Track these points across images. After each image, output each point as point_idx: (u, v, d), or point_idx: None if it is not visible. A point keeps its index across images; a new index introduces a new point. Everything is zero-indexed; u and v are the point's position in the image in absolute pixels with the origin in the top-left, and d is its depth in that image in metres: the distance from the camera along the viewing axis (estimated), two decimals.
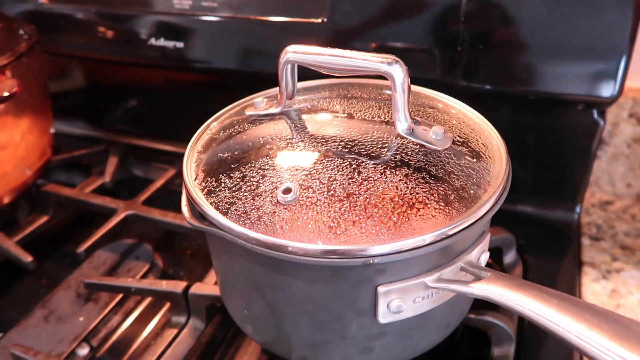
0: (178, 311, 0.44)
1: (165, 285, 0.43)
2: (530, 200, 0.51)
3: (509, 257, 0.46)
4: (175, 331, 0.43)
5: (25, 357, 0.39)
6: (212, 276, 0.47)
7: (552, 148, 0.49)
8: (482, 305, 0.39)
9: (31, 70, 0.53)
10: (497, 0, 0.41)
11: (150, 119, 0.67)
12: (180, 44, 0.53)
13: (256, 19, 0.49)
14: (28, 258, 0.48)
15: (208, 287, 0.42)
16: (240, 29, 0.51)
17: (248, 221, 0.28)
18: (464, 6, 0.42)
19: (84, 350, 0.45)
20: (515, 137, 0.48)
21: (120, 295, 0.49)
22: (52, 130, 0.59)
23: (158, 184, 0.57)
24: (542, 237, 0.49)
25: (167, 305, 0.48)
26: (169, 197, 0.59)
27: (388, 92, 0.38)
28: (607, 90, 0.41)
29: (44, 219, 0.57)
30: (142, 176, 0.65)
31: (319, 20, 0.46)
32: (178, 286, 0.43)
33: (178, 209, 0.52)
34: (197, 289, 0.42)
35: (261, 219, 0.28)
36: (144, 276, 0.51)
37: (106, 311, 0.48)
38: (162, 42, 0.54)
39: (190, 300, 0.42)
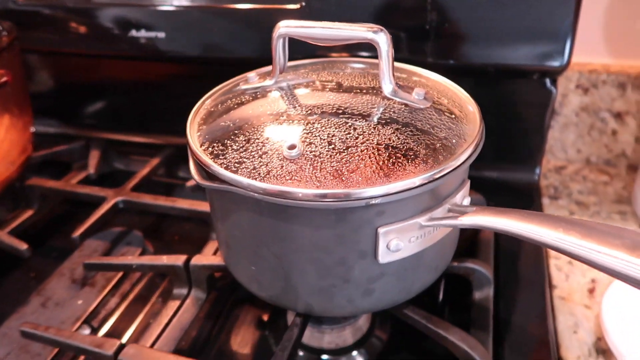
0: (179, 284, 0.46)
1: (166, 259, 0.45)
2: (496, 167, 0.56)
3: None
4: (178, 302, 0.45)
5: (36, 333, 0.40)
6: (206, 251, 0.49)
7: (512, 117, 0.54)
8: (462, 254, 0.43)
9: (12, 65, 0.54)
10: None
11: (128, 113, 0.69)
12: (161, 35, 0.55)
13: (235, 7, 0.52)
14: (23, 246, 0.49)
15: (208, 257, 0.45)
16: (220, 18, 0.53)
17: (258, 175, 0.31)
18: None
19: (85, 332, 0.46)
20: (480, 108, 0.53)
21: (117, 278, 0.50)
22: (32, 128, 0.60)
23: (144, 172, 0.59)
24: (508, 199, 0.54)
25: (162, 286, 0.50)
26: (154, 186, 0.61)
27: (369, 66, 0.42)
28: (557, 60, 0.46)
29: (28, 214, 0.57)
30: (124, 169, 0.66)
31: (297, 6, 0.50)
32: (179, 259, 0.45)
33: (165, 195, 0.55)
34: (198, 260, 0.45)
35: (270, 173, 0.31)
36: None
37: (104, 294, 0.49)
38: (143, 33, 0.56)
39: (191, 272, 0.45)
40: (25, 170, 0.59)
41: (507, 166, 0.56)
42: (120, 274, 0.51)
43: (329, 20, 0.49)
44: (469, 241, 0.49)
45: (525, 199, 0.55)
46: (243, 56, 0.54)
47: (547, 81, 0.50)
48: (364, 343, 0.43)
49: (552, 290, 0.45)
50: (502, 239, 0.49)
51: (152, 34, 0.55)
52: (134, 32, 0.56)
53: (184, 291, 0.45)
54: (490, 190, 0.54)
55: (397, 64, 0.43)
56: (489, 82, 0.53)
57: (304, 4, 0.49)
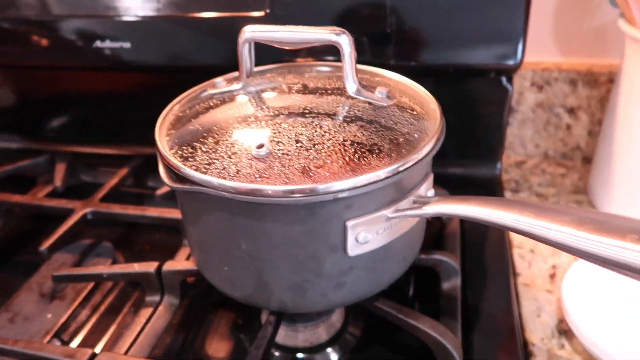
0: (152, 291, 0.46)
1: (137, 267, 0.45)
2: (460, 163, 0.58)
3: None
4: (151, 310, 0.44)
5: (4, 347, 0.39)
6: (179, 257, 0.49)
7: (473, 115, 0.56)
8: (430, 247, 0.45)
9: None
10: None
11: (94, 125, 0.68)
12: (127, 45, 0.55)
13: (201, 16, 0.53)
14: None
15: (180, 263, 0.45)
16: (186, 27, 0.54)
17: (227, 175, 0.32)
18: None
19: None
20: (444, 108, 0.55)
21: (87, 290, 0.50)
22: None
23: (112, 182, 0.58)
24: (471, 193, 0.55)
25: (134, 296, 0.50)
26: (123, 197, 0.61)
27: (334, 70, 0.43)
28: (511, 59, 0.49)
29: None
30: (92, 181, 0.66)
31: (261, 14, 0.51)
32: (151, 266, 0.45)
33: (136, 204, 0.55)
34: (170, 265, 0.45)
35: (239, 172, 0.32)
36: None
37: (74, 306, 0.48)
38: (107, 43, 0.56)
39: (164, 278, 0.45)
40: None
41: (471, 162, 0.59)
42: (90, 286, 0.50)
43: (292, 25, 0.51)
44: (437, 234, 0.51)
45: (488, 193, 0.57)
46: (210, 64, 0.54)
47: (504, 79, 0.52)
48: (337, 339, 0.44)
49: (516, 278, 0.46)
50: (467, 231, 0.51)
51: (117, 45, 0.55)
52: (98, 43, 0.56)
53: (157, 298, 0.45)
54: (455, 186, 0.56)
55: (360, 66, 0.45)
56: (450, 82, 0.55)
57: (268, 11, 0.50)
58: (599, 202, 0.53)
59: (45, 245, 0.49)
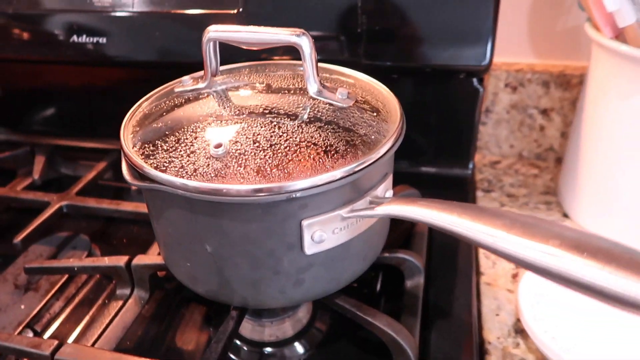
0: (122, 284, 0.46)
1: (107, 260, 0.46)
2: (432, 162, 0.59)
3: None
4: (120, 303, 0.45)
5: None
6: (151, 252, 0.50)
7: (446, 116, 0.57)
8: (400, 245, 0.46)
9: None
10: None
11: (73, 119, 0.69)
12: (102, 40, 0.56)
13: (175, 12, 0.53)
14: None
15: (150, 257, 0.46)
16: (161, 23, 0.54)
17: (185, 174, 0.33)
18: None
19: (28, 335, 0.46)
20: (416, 108, 0.56)
21: (61, 282, 0.51)
22: None
23: (89, 176, 0.59)
24: (444, 192, 0.56)
25: (109, 289, 0.50)
26: (101, 190, 0.62)
27: (300, 68, 0.44)
28: (480, 60, 0.49)
29: None
30: (71, 174, 0.66)
31: (235, 11, 0.51)
32: (120, 260, 0.46)
33: (112, 199, 0.56)
34: (140, 260, 0.45)
35: (197, 171, 0.33)
36: None
37: (47, 298, 0.49)
38: (84, 39, 0.56)
39: (133, 272, 0.45)
40: None
41: (444, 162, 0.59)
42: (64, 278, 0.51)
43: (264, 24, 0.51)
44: (407, 233, 0.52)
45: (460, 192, 0.58)
46: (183, 60, 0.55)
47: (474, 80, 0.53)
48: (304, 334, 0.45)
49: (480, 277, 0.47)
50: (436, 231, 0.52)
51: (93, 39, 0.56)
52: (75, 38, 0.56)
53: (127, 291, 0.46)
54: (428, 185, 0.57)
55: (327, 65, 0.45)
56: (423, 82, 0.55)
57: (241, 9, 0.51)
58: (566, 203, 0.54)
59: (20, 237, 0.50)
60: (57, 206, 0.54)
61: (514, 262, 0.24)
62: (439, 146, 0.59)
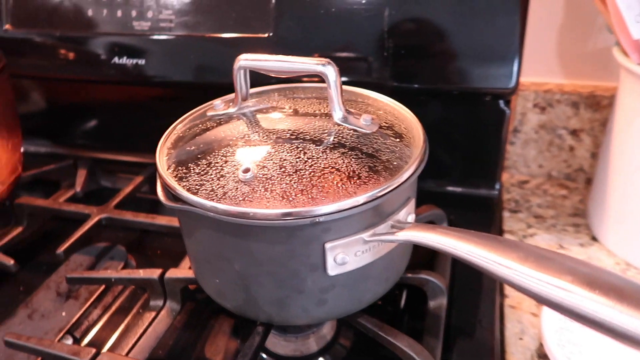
0: (155, 296, 0.49)
1: (142, 273, 0.48)
2: (458, 182, 0.59)
3: None
4: (153, 313, 0.48)
5: (18, 343, 0.43)
6: (183, 265, 0.52)
7: (473, 136, 0.57)
8: (418, 266, 0.46)
9: (1, 92, 0.58)
10: (412, 15, 0.49)
11: (114, 133, 0.72)
12: (141, 61, 0.59)
13: (209, 36, 0.56)
14: (10, 261, 0.52)
15: (182, 271, 0.48)
16: (196, 45, 0.57)
17: (215, 197, 0.34)
18: (387, 19, 0.50)
19: (68, 342, 0.49)
20: (442, 128, 0.56)
21: (99, 291, 0.54)
22: (22, 149, 0.63)
23: (127, 190, 0.62)
24: (470, 212, 0.57)
25: (143, 298, 0.53)
26: (138, 203, 0.65)
27: (326, 92, 0.45)
28: (506, 82, 0.50)
29: (18, 230, 0.60)
30: (110, 187, 0.70)
31: (266, 35, 0.53)
32: (154, 273, 0.48)
33: (147, 212, 0.58)
34: (172, 273, 0.48)
35: (226, 195, 0.34)
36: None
37: (86, 306, 0.52)
38: (124, 60, 0.59)
39: (166, 284, 0.48)
40: (15, 189, 0.63)
41: (471, 182, 0.60)
42: (102, 287, 0.54)
43: (294, 47, 0.53)
44: (431, 253, 0.52)
45: (487, 212, 0.58)
46: (218, 81, 0.57)
47: (501, 102, 0.53)
48: (328, 350, 0.46)
49: (504, 299, 0.48)
50: None
51: (133, 61, 0.59)
52: (116, 59, 0.60)
53: (160, 303, 0.48)
54: (455, 204, 0.58)
55: (352, 89, 0.47)
56: (452, 103, 0.56)
57: (271, 33, 0.53)
58: (595, 225, 0.54)
59: (62, 248, 0.53)
60: (96, 219, 0.57)
61: (527, 295, 0.24)
62: (465, 166, 0.59)
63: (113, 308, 0.53)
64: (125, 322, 0.51)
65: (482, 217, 0.57)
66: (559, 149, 0.62)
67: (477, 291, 0.48)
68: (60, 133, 0.74)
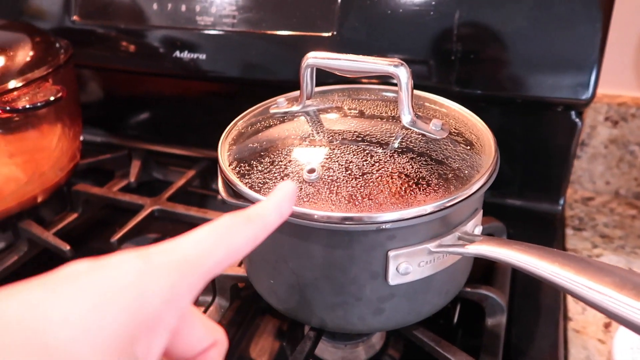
0: (204, 292, 0.48)
1: None
2: (519, 195, 0.57)
3: None
4: (202, 309, 0.47)
5: None
6: None
7: (537, 147, 0.54)
8: (476, 280, 0.44)
9: (67, 80, 0.59)
10: (486, 19, 0.47)
11: (168, 126, 0.73)
12: (202, 56, 0.59)
13: (272, 33, 0.55)
14: (66, 246, 0.53)
15: (233, 268, 0.47)
16: (257, 42, 0.57)
17: None
18: (457, 22, 0.48)
19: None
20: (505, 137, 0.53)
21: None
22: (81, 137, 0.65)
23: (179, 183, 0.62)
24: (530, 227, 0.54)
25: None
26: (188, 196, 0.65)
27: (391, 94, 0.44)
28: (582, 93, 0.47)
29: (73, 216, 0.61)
30: (162, 179, 0.70)
31: (329, 34, 0.52)
32: None
33: (198, 205, 0.58)
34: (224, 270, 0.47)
35: None
36: None
37: None
38: (185, 54, 0.60)
39: (216, 280, 0.47)
40: (72, 177, 0.64)
41: (532, 195, 0.57)
42: None
43: (357, 48, 0.52)
44: (488, 266, 0.50)
45: (548, 229, 0.55)
46: (278, 79, 0.57)
47: (573, 113, 0.50)
48: None
49: (567, 322, 0.45)
50: None
51: (194, 55, 0.59)
52: (177, 53, 0.60)
53: (209, 299, 0.48)
54: (513, 218, 0.55)
55: (420, 93, 0.45)
56: (516, 111, 0.54)
57: (335, 32, 0.52)
58: None
59: (116, 237, 0.54)
60: (149, 210, 0.57)
61: (624, 325, 0.22)
62: (527, 178, 0.56)
63: None
64: None
65: (544, 233, 0.54)
66: (630, 165, 0.59)
67: (537, 310, 0.45)
68: (117, 124, 0.75)
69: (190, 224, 0.62)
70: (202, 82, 0.66)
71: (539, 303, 0.46)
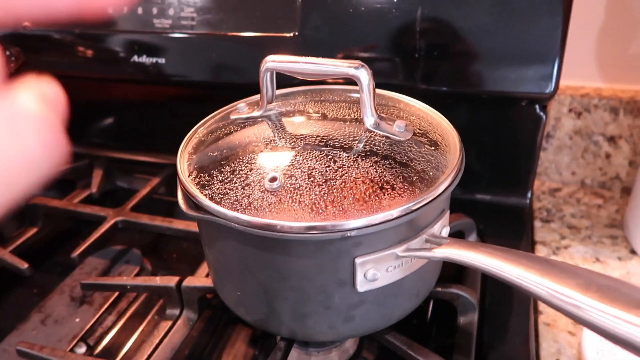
0: (172, 304, 0.47)
1: (159, 280, 0.47)
2: (488, 190, 0.57)
3: (471, 239, 0.51)
4: (169, 323, 0.46)
5: (31, 352, 0.41)
6: (201, 272, 0.50)
7: (504, 142, 0.54)
8: (447, 279, 0.44)
9: None
10: (448, 15, 0.47)
11: (131, 133, 0.71)
12: (161, 60, 0.57)
13: (232, 34, 0.54)
14: (24, 265, 0.51)
15: (199, 279, 0.46)
16: (218, 44, 0.55)
17: (240, 207, 0.32)
18: (419, 19, 0.48)
19: (81, 349, 0.48)
20: (472, 133, 0.53)
21: (114, 297, 0.52)
22: None
23: (144, 192, 0.61)
24: (499, 221, 0.55)
25: (159, 304, 0.51)
26: (154, 204, 0.63)
27: (355, 94, 0.43)
28: (545, 87, 0.47)
29: (33, 231, 0.59)
30: (127, 187, 0.68)
31: (291, 34, 0.51)
32: (171, 280, 0.46)
33: (163, 214, 0.57)
34: (190, 281, 0.46)
35: (251, 205, 0.32)
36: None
37: (101, 312, 0.51)
38: (144, 59, 0.58)
39: (183, 293, 0.46)
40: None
41: (500, 189, 0.57)
42: (117, 292, 0.52)
43: (320, 47, 0.51)
44: (458, 265, 0.50)
45: (518, 222, 0.55)
46: (242, 81, 0.55)
47: (537, 107, 0.51)
48: None
49: (538, 315, 0.45)
50: None
51: (153, 60, 0.57)
52: (136, 58, 0.58)
53: (177, 312, 0.47)
54: (484, 213, 0.55)
55: (384, 92, 0.44)
56: (482, 107, 0.53)
57: (297, 32, 0.51)
58: (634, 238, 0.51)
59: (76, 252, 0.52)
60: (112, 221, 0.55)
61: (590, 328, 0.22)
62: (495, 173, 0.56)
63: (128, 314, 0.51)
64: (140, 329, 0.49)
65: (513, 227, 0.54)
66: (595, 156, 0.59)
67: (508, 306, 0.45)
68: (77, 132, 0.72)
69: (156, 233, 0.60)
70: (164, 87, 0.64)
71: (510, 298, 0.46)
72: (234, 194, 0.33)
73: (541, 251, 0.51)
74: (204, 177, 0.36)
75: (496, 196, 0.57)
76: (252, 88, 0.45)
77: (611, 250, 0.51)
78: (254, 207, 0.32)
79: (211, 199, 0.34)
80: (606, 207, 0.58)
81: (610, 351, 0.38)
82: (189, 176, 0.36)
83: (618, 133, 0.57)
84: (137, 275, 0.55)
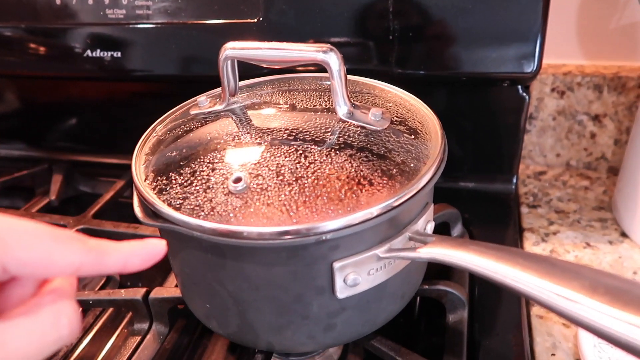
0: (140, 318, 0.43)
1: (124, 293, 0.43)
2: (471, 177, 0.54)
3: (456, 230, 0.48)
4: (138, 338, 0.42)
5: None
6: (171, 280, 0.47)
7: (486, 126, 0.52)
8: (434, 276, 0.41)
9: None
10: None
11: (92, 134, 0.66)
12: (117, 54, 0.53)
13: (192, 23, 0.50)
14: None
15: (168, 290, 0.43)
16: (178, 34, 0.51)
17: (202, 213, 0.29)
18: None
19: None
20: (452, 118, 0.51)
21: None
22: None
23: (107, 196, 0.57)
24: (485, 209, 0.52)
25: (127, 317, 0.48)
26: (120, 209, 0.59)
27: (327, 82, 0.40)
28: (527, 66, 0.44)
29: None
30: (90, 192, 0.64)
31: (255, 20, 0.48)
32: (138, 292, 0.43)
33: (129, 220, 0.53)
34: (158, 293, 0.42)
35: (214, 210, 0.29)
36: (102, 289, 0.51)
37: None
38: (98, 53, 0.53)
39: (151, 305, 0.42)
40: None
41: (484, 176, 0.55)
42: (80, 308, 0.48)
43: (287, 33, 0.48)
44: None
45: (504, 209, 0.53)
46: (205, 73, 0.51)
47: (519, 88, 0.48)
48: None
49: (530, 308, 0.43)
50: None
51: (107, 54, 0.53)
52: (89, 52, 0.53)
53: (145, 326, 0.43)
54: (468, 201, 0.53)
55: (357, 78, 0.41)
56: (462, 91, 0.51)
57: (261, 18, 0.47)
58: (624, 220, 0.49)
59: None
60: (73, 230, 0.51)
61: (598, 336, 0.19)
62: (478, 159, 0.54)
63: (95, 329, 0.47)
64: (110, 343, 0.46)
65: (499, 214, 0.52)
66: (579, 136, 0.57)
67: (498, 300, 0.43)
68: (34, 134, 0.68)
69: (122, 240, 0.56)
70: (124, 83, 0.60)
71: (500, 291, 0.44)
72: (194, 199, 0.30)
73: (530, 239, 0.49)
74: (162, 181, 0.32)
75: (480, 183, 0.54)
76: (217, 80, 0.42)
77: (601, 234, 0.49)
78: (217, 213, 0.29)
79: (170, 205, 0.30)
80: (593, 188, 0.56)
81: (607, 344, 0.36)
82: (145, 180, 0.33)
83: (602, 111, 0.55)
84: (104, 285, 0.52)
